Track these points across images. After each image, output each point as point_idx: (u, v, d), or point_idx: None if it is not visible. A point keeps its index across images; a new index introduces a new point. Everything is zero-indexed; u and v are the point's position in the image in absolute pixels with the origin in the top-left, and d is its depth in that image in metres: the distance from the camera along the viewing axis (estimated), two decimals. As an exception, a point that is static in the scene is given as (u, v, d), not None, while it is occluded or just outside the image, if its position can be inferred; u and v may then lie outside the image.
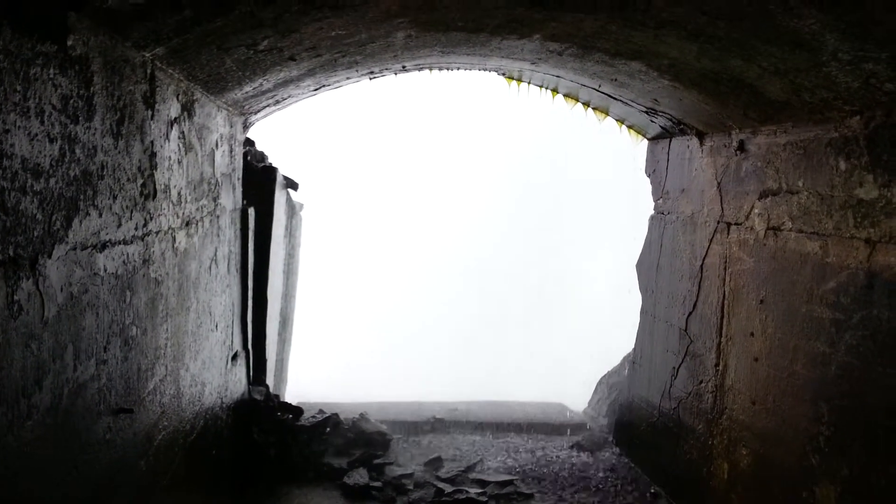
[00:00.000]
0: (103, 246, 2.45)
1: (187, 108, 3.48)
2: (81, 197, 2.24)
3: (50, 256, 2.04)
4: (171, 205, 3.28)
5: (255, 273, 5.70)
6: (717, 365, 4.82)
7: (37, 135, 1.92)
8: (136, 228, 2.78)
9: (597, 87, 5.09)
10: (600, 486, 5.74)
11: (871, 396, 3.35)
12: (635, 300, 6.42)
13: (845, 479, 3.51)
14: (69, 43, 2.08)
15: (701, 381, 5.03)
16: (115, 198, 2.53)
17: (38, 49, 1.90)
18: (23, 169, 1.85)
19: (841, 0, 2.51)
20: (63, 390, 2.18)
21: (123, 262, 2.66)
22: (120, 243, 2.61)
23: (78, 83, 2.17)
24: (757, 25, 2.97)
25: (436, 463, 5.98)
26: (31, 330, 1.95)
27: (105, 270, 2.48)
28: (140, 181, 2.81)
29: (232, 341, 5.07)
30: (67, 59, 2.08)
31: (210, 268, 4.22)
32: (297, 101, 5.46)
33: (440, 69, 5.27)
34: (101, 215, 2.41)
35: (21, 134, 1.83)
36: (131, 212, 2.72)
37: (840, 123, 3.59)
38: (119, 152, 2.55)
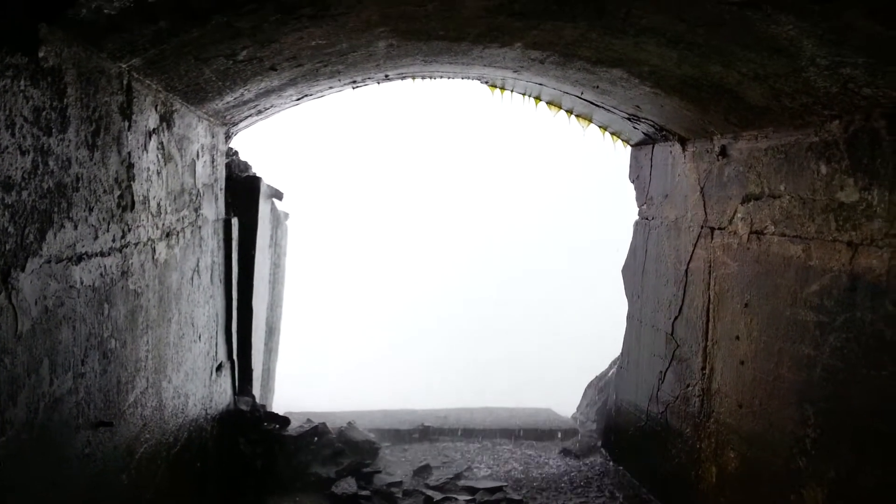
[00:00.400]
0: (79, 258, 2.42)
1: (166, 119, 3.46)
2: (56, 209, 2.21)
3: (23, 270, 2.01)
4: (150, 216, 3.25)
5: (239, 283, 5.67)
6: (703, 368, 4.82)
7: (7, 147, 1.89)
8: (113, 240, 2.76)
9: (579, 95, 5.10)
10: (589, 492, 5.73)
11: (857, 398, 3.36)
12: (622, 305, 6.42)
13: (832, 482, 3.51)
14: (41, 54, 2.06)
15: (688, 385, 5.03)
16: (90, 210, 2.50)
17: (8, 61, 1.88)
18: (-7, 182, 1.83)
19: (817, 7, 2.53)
20: (39, 405, 2.15)
21: (101, 274, 2.63)
22: (97, 255, 2.59)
23: (51, 95, 2.15)
24: (736, 32, 2.99)
25: (424, 471, 5.95)
26: (4, 344, 1.93)
27: (81, 283, 2.45)
28: (117, 193, 2.78)
29: (216, 352, 5.03)
30: (39, 70, 2.06)
31: (192, 279, 4.19)
32: (280, 111, 5.44)
33: (423, 78, 5.27)
34: (76, 228, 2.38)
35: (-9, 147, 1.81)
36: (108, 224, 2.69)
37: (820, 128, 3.61)
38: (95, 164, 2.53)
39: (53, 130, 2.18)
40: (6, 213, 1.90)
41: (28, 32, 2.00)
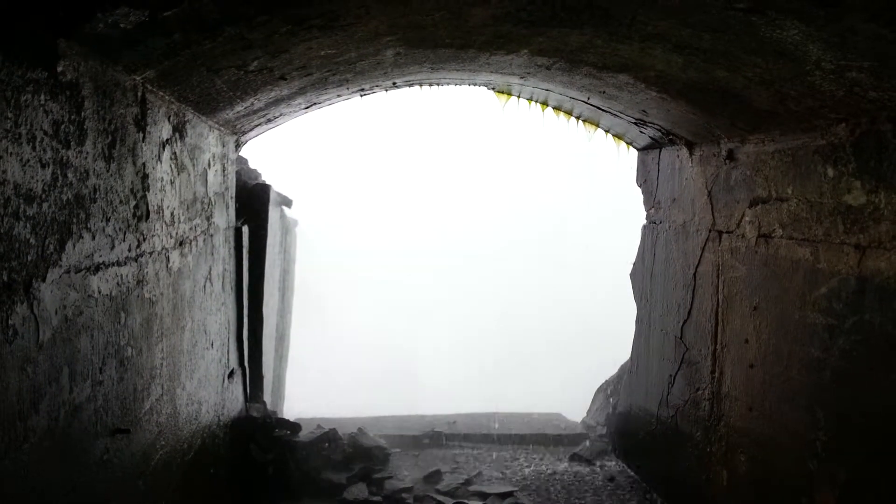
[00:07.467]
0: (97, 268, 2.47)
1: (179, 130, 3.51)
2: (74, 220, 2.26)
3: (44, 280, 2.05)
4: (164, 225, 3.29)
5: (249, 290, 5.72)
6: (713, 372, 4.83)
7: (29, 160, 1.94)
8: (129, 250, 2.80)
9: (586, 100, 5.13)
10: (600, 496, 5.74)
11: (867, 401, 3.37)
12: (631, 308, 6.43)
13: (843, 484, 3.52)
14: (59, 69, 2.10)
15: (697, 389, 5.04)
16: (107, 220, 2.55)
17: (29, 76, 1.93)
18: (15, 195, 1.87)
19: (821, 11, 2.55)
20: (59, 412, 2.19)
21: (117, 283, 2.68)
22: (114, 265, 2.63)
23: (69, 108, 2.19)
24: (740, 37, 3.01)
25: (435, 476, 5.97)
26: (27, 353, 1.97)
27: (99, 292, 2.50)
28: (133, 203, 2.83)
29: (228, 359, 5.07)
30: (58, 84, 2.11)
31: (205, 286, 4.23)
32: (289, 119, 5.49)
33: (430, 85, 5.31)
34: (94, 238, 2.43)
35: (13, 160, 1.86)
36: (124, 233, 2.74)
37: (826, 131, 3.63)
38: (111, 175, 2.58)
39: (72, 143, 2.22)
40: (28, 225, 1.95)
41: (47, 48, 2.05)
